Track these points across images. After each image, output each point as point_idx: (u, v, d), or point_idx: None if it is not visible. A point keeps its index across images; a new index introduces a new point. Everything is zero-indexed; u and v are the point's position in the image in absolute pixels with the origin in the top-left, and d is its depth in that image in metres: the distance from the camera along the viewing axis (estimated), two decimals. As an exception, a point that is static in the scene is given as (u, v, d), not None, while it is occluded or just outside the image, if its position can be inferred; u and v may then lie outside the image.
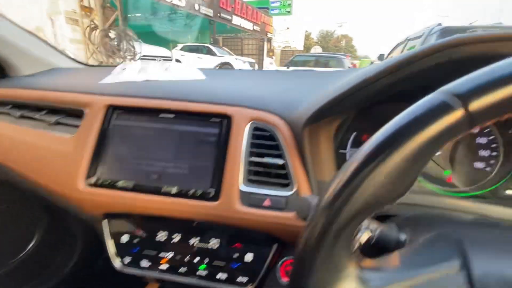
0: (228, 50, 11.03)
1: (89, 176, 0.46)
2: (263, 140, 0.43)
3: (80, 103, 0.52)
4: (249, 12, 14.30)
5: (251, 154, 0.43)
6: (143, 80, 0.63)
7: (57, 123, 0.55)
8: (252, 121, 0.44)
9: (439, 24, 4.76)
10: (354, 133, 0.50)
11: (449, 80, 0.33)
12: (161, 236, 0.46)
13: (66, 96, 0.55)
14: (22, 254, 0.96)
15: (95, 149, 0.47)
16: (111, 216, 0.48)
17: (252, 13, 14.65)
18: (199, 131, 0.45)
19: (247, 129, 0.44)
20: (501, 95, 0.15)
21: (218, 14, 11.65)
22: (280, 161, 0.41)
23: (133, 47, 4.30)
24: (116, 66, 0.98)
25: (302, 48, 16.87)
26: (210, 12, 10.98)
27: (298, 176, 0.41)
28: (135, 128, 0.47)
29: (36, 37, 0.91)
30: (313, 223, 0.18)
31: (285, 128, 0.43)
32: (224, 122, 0.45)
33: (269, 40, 16.09)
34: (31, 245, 0.98)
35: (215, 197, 0.42)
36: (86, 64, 1.01)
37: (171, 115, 0.47)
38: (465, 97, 0.15)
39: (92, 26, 4.15)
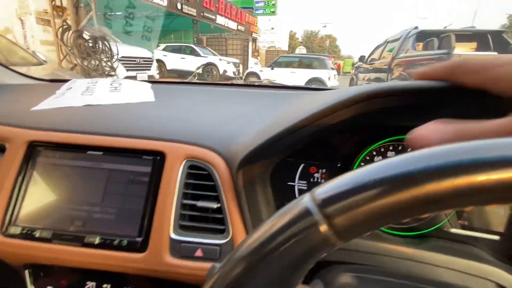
0: (212, 50, 10.90)
1: (5, 224, 0.41)
2: (200, 180, 0.40)
3: (2, 137, 0.47)
4: (233, 12, 14.20)
5: (185, 196, 0.40)
6: (84, 105, 0.58)
7: None
8: (187, 159, 0.41)
9: (416, 27, 4.90)
10: (302, 165, 0.48)
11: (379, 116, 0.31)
12: (88, 287, 0.42)
13: None
14: None
15: (13, 192, 0.42)
16: (33, 266, 0.43)
17: (237, 13, 14.56)
18: (130, 170, 0.42)
19: (181, 167, 0.41)
20: (368, 211, 0.13)
21: (202, 14, 11.49)
22: (214, 205, 0.38)
23: (110, 48, 4.14)
24: (65, 81, 0.92)
25: (287, 48, 16.96)
26: (193, 12, 10.80)
27: (234, 223, 0.38)
28: (60, 167, 0.43)
29: None
30: None
31: (223, 166, 0.40)
32: (157, 159, 0.41)
33: (254, 40, 16.06)
34: None
35: (143, 248, 0.38)
36: (38, 79, 0.94)
37: (100, 153, 0.43)
38: (329, 214, 0.13)
39: (65, 26, 3.96)
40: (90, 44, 4.05)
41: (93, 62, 4.05)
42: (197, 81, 4.53)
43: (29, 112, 0.54)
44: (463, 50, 4.13)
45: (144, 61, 5.93)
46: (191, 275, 0.37)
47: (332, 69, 8.49)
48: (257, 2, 16.31)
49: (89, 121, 0.48)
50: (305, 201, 0.14)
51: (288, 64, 8.82)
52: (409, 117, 0.30)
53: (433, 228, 0.41)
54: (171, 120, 0.49)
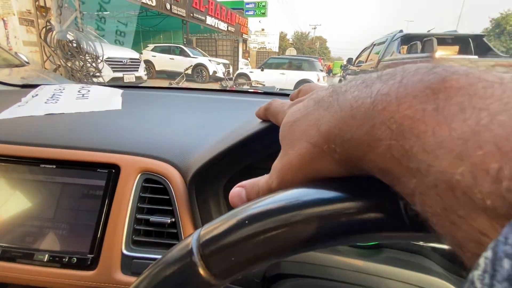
0: (202, 51, 10.84)
1: None
2: (155, 193, 0.40)
3: None
4: (224, 13, 14.17)
5: (140, 210, 0.39)
6: (46, 114, 0.57)
7: None
8: (142, 172, 0.41)
9: (401, 31, 5.01)
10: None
11: None
12: None
13: None
14: None
15: None
16: None
17: (227, 14, 14.53)
18: (83, 183, 0.41)
19: (136, 181, 0.40)
20: (241, 252, 0.13)
21: (191, 14, 11.41)
22: (168, 219, 0.38)
23: (94, 49, 4.06)
24: (38, 85, 0.90)
25: (277, 50, 17.02)
26: (182, 12, 10.72)
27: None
28: (13, 181, 0.42)
29: None
30: None
31: (178, 180, 0.40)
32: (112, 172, 0.41)
33: (245, 41, 16.06)
34: None
35: (93, 265, 0.38)
36: (10, 84, 0.91)
37: (53, 166, 0.42)
38: (205, 254, 0.13)
39: (48, 27, 3.86)
40: (75, 45, 3.97)
41: (77, 63, 3.97)
42: (185, 86, 4.48)
43: None
44: (446, 54, 4.25)
45: (131, 61, 5.85)
46: None
47: (321, 70, 8.58)
48: (248, 4, 16.33)
49: (45, 133, 0.47)
50: (192, 238, 0.14)
51: (278, 66, 8.86)
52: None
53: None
54: (129, 131, 0.49)
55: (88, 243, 0.38)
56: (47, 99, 0.64)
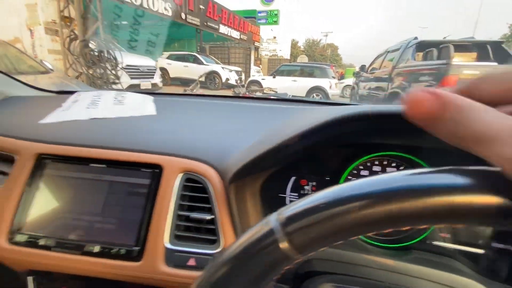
0: (215, 59, 11.06)
1: (12, 232, 0.44)
2: (195, 192, 0.43)
3: (11, 149, 0.50)
4: (236, 22, 14.47)
5: (181, 207, 0.42)
6: (89, 118, 0.61)
7: None
8: (184, 172, 0.44)
9: (416, 38, 4.97)
10: (293, 178, 0.50)
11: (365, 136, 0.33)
12: None
13: (2, 141, 0.52)
14: None
15: (21, 202, 0.45)
16: (36, 272, 0.45)
17: (239, 23, 14.83)
18: (129, 182, 0.44)
19: (178, 180, 0.43)
20: (323, 230, 0.15)
21: (205, 23, 11.71)
22: (208, 216, 0.41)
23: (114, 57, 4.23)
24: (70, 93, 0.96)
25: (289, 57, 17.14)
26: (196, 21, 11.03)
27: (226, 233, 0.40)
28: (65, 179, 0.46)
29: None
30: None
31: (216, 179, 0.42)
32: (155, 172, 0.44)
33: (257, 48, 16.29)
34: None
35: (139, 257, 0.40)
36: (46, 90, 0.98)
37: (102, 165, 0.46)
38: (289, 232, 0.15)
39: (72, 36, 4.07)
40: (96, 53, 4.15)
41: (98, 70, 4.14)
42: (199, 92, 4.58)
43: (37, 125, 0.57)
44: (463, 60, 4.17)
45: (147, 69, 6.04)
46: (184, 283, 0.39)
47: (333, 77, 8.57)
48: (260, 12, 16.60)
49: (93, 135, 0.51)
50: (270, 220, 0.17)
51: (289, 73, 8.92)
52: (389, 137, 0.33)
53: (415, 240, 0.43)
54: (169, 134, 0.52)
55: (134, 236, 0.41)
56: (88, 105, 0.68)
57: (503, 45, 4.43)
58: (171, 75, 10.03)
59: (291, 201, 0.51)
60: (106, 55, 4.18)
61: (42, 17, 4.13)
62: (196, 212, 0.42)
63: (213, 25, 12.36)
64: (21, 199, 0.45)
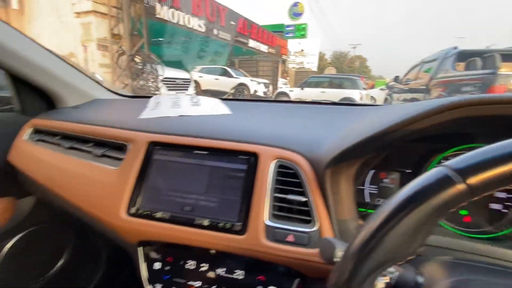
0: (244, 72, 11.41)
1: (130, 206, 0.51)
2: (287, 177, 0.47)
3: (125, 138, 0.59)
4: (265, 36, 14.90)
5: (276, 190, 0.47)
6: (177, 115, 0.70)
7: (103, 155, 0.62)
8: (277, 159, 0.49)
9: (455, 48, 4.76)
10: (373, 171, 0.53)
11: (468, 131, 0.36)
12: (190, 265, 0.50)
13: (113, 131, 0.62)
14: (51, 272, 1.02)
15: (136, 182, 0.53)
16: (146, 243, 0.52)
17: (268, 37, 15.25)
18: (228, 167, 0.50)
19: (272, 166, 0.48)
20: (497, 172, 0.18)
21: (235, 38, 12.22)
22: (302, 198, 0.45)
23: (156, 70, 4.56)
24: (147, 97, 1.08)
25: (316, 69, 17.14)
26: (227, 37, 11.54)
27: (320, 214, 0.44)
28: (172, 163, 0.53)
29: (77, 69, 0.99)
30: (341, 268, 0.22)
31: (307, 167, 0.47)
32: (251, 159, 0.50)
33: (284, 61, 16.55)
34: (60, 263, 1.04)
35: (242, 231, 0.45)
36: (121, 95, 1.11)
37: (205, 152, 0.52)
38: (465, 173, 0.19)
39: (120, 52, 4.49)
40: (140, 67, 4.51)
41: (141, 82, 4.49)
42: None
43: (138, 120, 0.66)
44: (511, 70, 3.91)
45: (183, 81, 6.42)
46: (284, 256, 0.43)
47: (364, 89, 8.42)
48: (288, 26, 16.93)
49: (195, 126, 0.58)
50: (440, 169, 0.20)
51: (318, 84, 8.92)
52: (482, 126, 0.35)
53: (507, 231, 0.43)
54: (259, 127, 0.58)
55: (235, 213, 0.47)
56: (172, 105, 0.78)
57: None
58: (202, 88, 10.49)
59: (370, 194, 0.54)
60: (149, 68, 4.52)
61: (95, 35, 4.62)
62: (291, 195, 0.46)
63: (242, 40, 12.85)
64: (136, 178, 0.53)
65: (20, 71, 0.79)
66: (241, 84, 10.08)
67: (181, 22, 8.87)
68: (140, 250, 0.53)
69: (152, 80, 4.67)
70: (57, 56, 0.91)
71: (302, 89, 8.90)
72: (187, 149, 0.54)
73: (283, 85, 13.30)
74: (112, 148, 0.63)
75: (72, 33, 5.12)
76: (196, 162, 0.52)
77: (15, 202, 0.89)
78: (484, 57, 3.81)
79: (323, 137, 0.51)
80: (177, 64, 8.25)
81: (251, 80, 10.34)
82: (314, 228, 0.43)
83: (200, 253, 0.49)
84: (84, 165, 0.62)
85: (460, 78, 4.08)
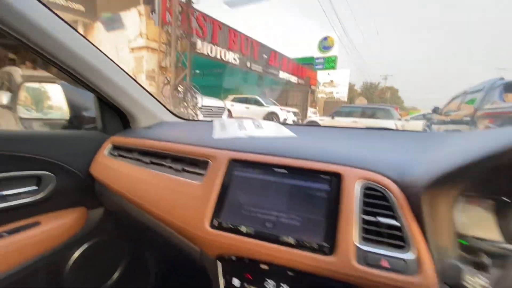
0: (274, 101, 11.74)
1: (213, 219, 0.54)
2: (375, 199, 0.46)
3: (206, 155, 0.64)
4: (295, 68, 15.45)
5: (364, 212, 0.46)
6: (247, 136, 0.74)
7: (183, 170, 0.67)
8: (362, 181, 0.48)
9: (502, 78, 4.51)
10: (462, 197, 0.51)
11: None
12: (269, 284, 0.49)
13: (193, 149, 0.67)
14: (108, 283, 1.06)
15: (219, 196, 0.55)
16: (224, 258, 0.53)
17: (298, 69, 15.79)
18: (310, 186, 0.51)
19: (357, 188, 0.48)
20: None
21: (266, 70, 12.81)
22: (396, 223, 0.43)
23: (196, 99, 4.89)
24: (208, 121, 1.15)
25: (345, 100, 17.06)
26: (259, 69, 12.16)
27: (416, 240, 0.41)
28: (253, 180, 0.55)
29: (149, 93, 1.10)
30: None
31: (397, 191, 0.45)
32: (334, 179, 0.50)
33: (313, 91, 16.80)
34: (116, 275, 1.08)
35: (331, 252, 0.44)
36: (183, 118, 1.20)
37: (285, 170, 0.54)
38: None
39: (166, 82, 4.92)
40: (182, 96, 4.87)
41: (182, 109, 4.81)
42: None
43: (214, 139, 0.71)
44: None
45: (218, 109, 6.76)
46: (378, 282, 0.41)
47: (399, 119, 8.13)
48: (317, 59, 17.42)
49: (273, 145, 0.61)
50: None
51: (349, 114, 8.81)
52: None
53: None
54: (340, 148, 0.59)
55: (321, 234, 0.46)
56: (239, 127, 0.83)
57: None
58: (234, 115, 10.91)
59: (462, 223, 0.50)
60: (189, 97, 4.86)
61: (145, 67, 5.15)
62: (381, 217, 0.45)
63: (273, 72, 13.42)
64: (219, 193, 0.56)
65: (109, 94, 0.90)
66: (271, 113, 10.33)
67: (218, 56, 9.59)
68: (219, 264, 0.54)
69: (192, 107, 4.99)
70: (135, 81, 1.02)
71: (333, 118, 8.84)
72: (267, 167, 0.56)
73: (312, 114, 13.35)
74: (189, 163, 0.68)
75: (126, 65, 5.78)
76: (276, 180, 0.54)
77: (87, 212, 0.97)
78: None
79: (410, 160, 0.50)
80: (212, 93, 8.78)
81: (281, 109, 10.57)
82: (411, 255, 0.41)
83: (280, 272, 0.49)
84: (167, 179, 0.67)
85: (508, 110, 3.79)
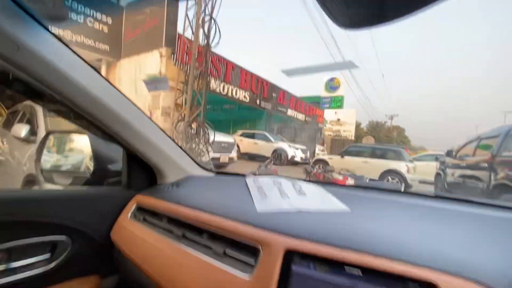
0: (282, 137, 11.82)
1: None
2: None
3: (256, 239, 0.53)
4: (302, 106, 15.87)
5: None
6: (296, 210, 0.65)
7: (224, 254, 0.57)
8: None
9: (517, 125, 4.46)
10: None
11: None
12: None
13: (241, 228, 0.57)
14: None
15: None
16: None
17: (305, 107, 16.21)
18: None
19: None
20: None
21: (275, 108, 13.16)
22: None
23: (208, 135, 4.92)
24: (235, 174, 1.08)
25: (353, 138, 17.15)
26: (268, 106, 12.50)
27: None
28: (316, 281, 0.45)
29: (176, 144, 1.04)
30: None
31: None
32: None
33: (320, 129, 16.99)
34: None
35: None
36: (209, 170, 1.13)
37: (359, 272, 0.44)
38: None
39: (180, 118, 5.03)
40: (194, 132, 4.92)
41: (193, 145, 4.82)
42: (268, 168, 4.75)
43: (257, 213, 0.62)
44: None
45: (228, 145, 6.79)
46: None
47: (411, 161, 7.97)
48: (324, 98, 17.93)
49: (343, 233, 0.50)
50: None
51: (358, 154, 8.71)
52: None
53: None
54: (418, 236, 0.48)
55: None
56: (280, 194, 0.75)
57: None
58: (242, 150, 10.94)
59: None
60: (202, 133, 4.90)
61: (162, 103, 5.30)
62: None
63: (282, 109, 13.77)
64: None
65: (138, 148, 0.85)
66: (279, 149, 10.34)
67: (229, 94, 9.94)
68: None
69: (203, 143, 5.00)
70: (164, 132, 0.97)
71: (342, 157, 8.74)
72: (336, 265, 0.46)
73: (320, 151, 13.31)
74: (231, 244, 0.58)
75: (142, 101, 6.00)
76: (348, 284, 0.44)
77: (101, 281, 0.86)
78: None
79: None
80: (222, 127, 8.94)
81: (289, 145, 10.58)
82: None
83: None
84: (204, 264, 0.56)
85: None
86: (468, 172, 5.19)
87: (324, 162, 9.25)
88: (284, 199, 0.72)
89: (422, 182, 7.91)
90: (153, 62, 5.86)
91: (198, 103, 5.12)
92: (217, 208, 0.67)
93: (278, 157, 10.29)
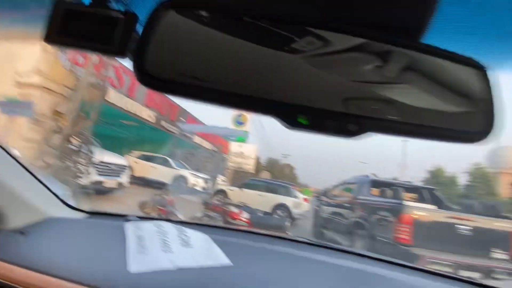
0: (185, 164, 11.37)
1: None
2: None
3: None
4: (209, 135, 16.08)
5: None
6: (175, 268, 0.60)
7: None
8: None
9: (367, 176, 5.93)
10: None
11: None
12: None
13: None
14: None
15: None
16: None
17: (212, 136, 16.49)
18: None
19: None
20: None
21: (182, 132, 12.74)
22: None
23: (91, 153, 4.18)
24: (111, 214, 0.92)
25: (253, 171, 18.40)
26: (175, 130, 11.97)
27: None
28: None
29: (32, 174, 0.81)
30: None
31: None
32: None
33: (224, 160, 17.48)
34: None
35: None
36: (77, 209, 0.92)
37: None
38: None
39: (56, 130, 4.07)
40: (74, 148, 4.08)
41: (70, 164, 3.95)
42: (166, 198, 4.39)
43: (128, 275, 0.54)
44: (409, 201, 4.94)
45: (118, 168, 5.89)
46: None
47: (296, 197, 9.13)
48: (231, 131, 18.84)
49: None
50: None
51: (255, 187, 9.35)
52: None
53: None
54: None
55: None
56: (161, 246, 0.67)
57: (434, 192, 5.47)
58: (137, 174, 9.76)
59: None
60: (84, 151, 4.13)
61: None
62: None
63: (189, 135, 13.46)
64: None
65: None
66: (180, 176, 9.83)
67: (131, 111, 9.00)
68: None
69: (84, 163, 4.17)
70: (10, 155, 0.75)
71: (241, 190, 9.13)
72: None
73: (222, 182, 13.49)
74: None
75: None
76: None
77: None
78: (393, 188, 4.80)
79: None
80: (118, 146, 7.81)
81: (191, 173, 10.24)
82: None
83: None
84: None
85: (376, 202, 4.89)
86: (337, 210, 6.38)
87: (224, 193, 9.38)
88: (166, 253, 0.65)
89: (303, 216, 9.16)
90: (31, 55, 4.60)
91: (87, 116, 4.34)
92: (71, 269, 0.53)
93: (179, 184, 9.75)
